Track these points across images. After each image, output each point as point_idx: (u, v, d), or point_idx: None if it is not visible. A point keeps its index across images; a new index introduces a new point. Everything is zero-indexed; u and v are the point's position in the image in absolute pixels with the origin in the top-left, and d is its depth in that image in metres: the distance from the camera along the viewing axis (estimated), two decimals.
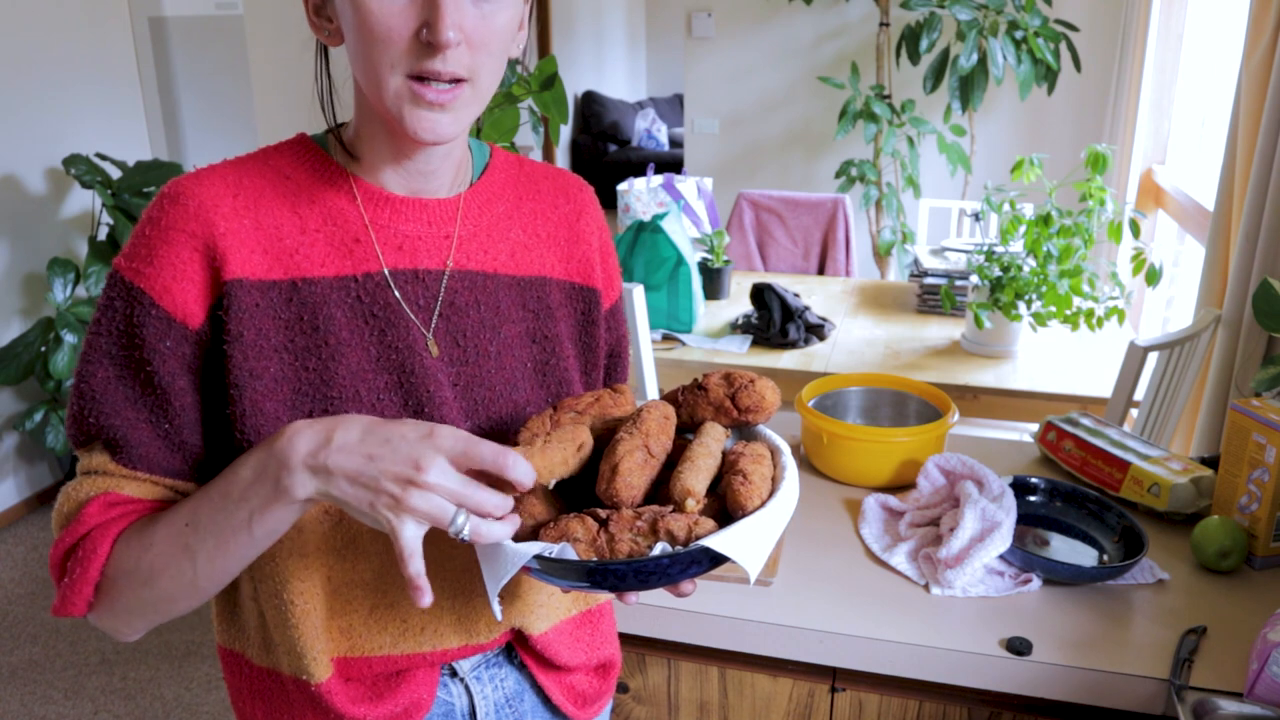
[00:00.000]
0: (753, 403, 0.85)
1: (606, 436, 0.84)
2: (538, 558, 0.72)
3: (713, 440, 0.83)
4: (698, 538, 0.72)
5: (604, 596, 1.03)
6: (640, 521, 0.74)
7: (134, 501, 0.80)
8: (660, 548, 0.72)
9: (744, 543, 0.72)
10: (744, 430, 0.90)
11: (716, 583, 1.24)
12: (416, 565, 0.70)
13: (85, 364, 0.79)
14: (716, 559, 0.72)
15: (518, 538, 0.75)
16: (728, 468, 0.80)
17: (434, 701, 0.92)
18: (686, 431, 0.89)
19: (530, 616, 0.94)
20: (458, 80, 0.77)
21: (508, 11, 0.78)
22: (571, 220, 0.96)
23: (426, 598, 0.71)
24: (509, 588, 0.91)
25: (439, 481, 0.69)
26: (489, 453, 0.71)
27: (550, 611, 0.96)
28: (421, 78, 0.76)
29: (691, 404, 0.87)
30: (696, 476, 0.76)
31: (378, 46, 0.75)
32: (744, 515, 0.75)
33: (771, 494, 0.77)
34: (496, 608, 0.76)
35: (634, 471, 0.76)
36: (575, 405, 0.86)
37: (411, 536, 0.69)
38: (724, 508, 0.78)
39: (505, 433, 0.89)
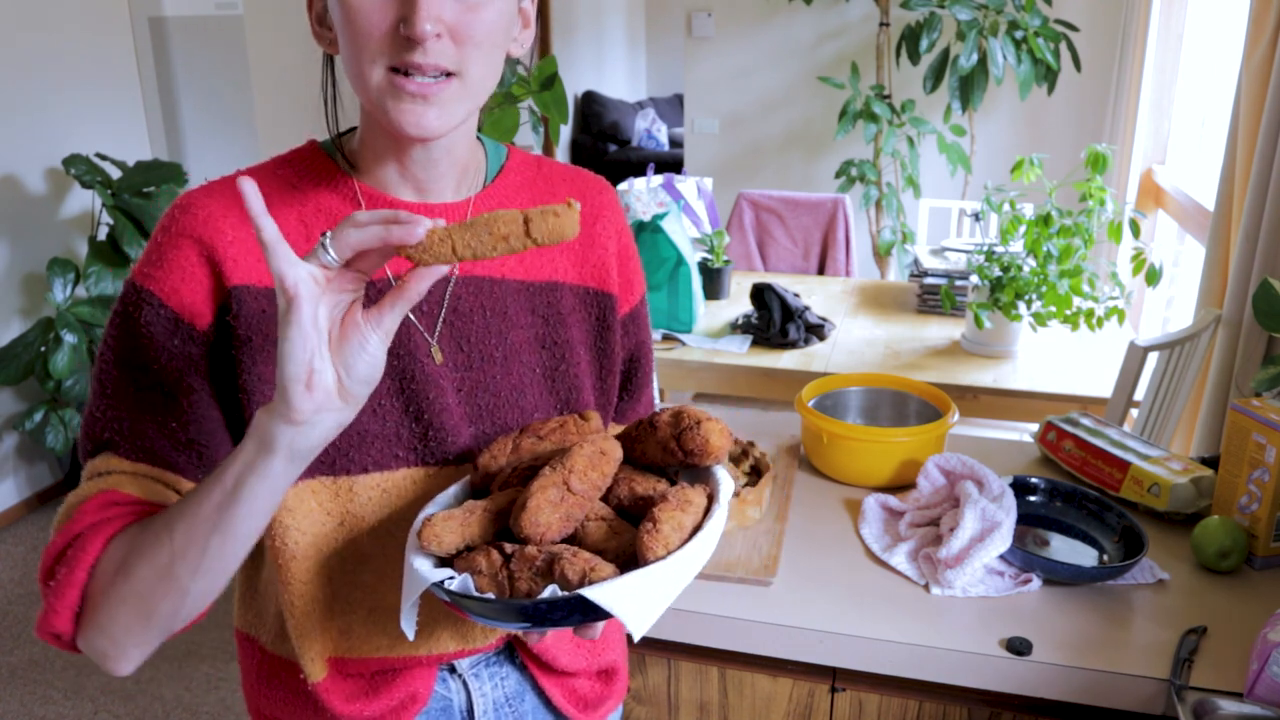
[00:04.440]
0: (696, 446, 0.80)
1: None
2: (439, 585, 0.70)
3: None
4: (591, 583, 0.68)
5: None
6: (539, 561, 0.71)
7: (134, 502, 0.76)
8: (550, 590, 0.69)
9: (628, 596, 0.67)
10: (694, 470, 0.85)
11: (716, 583, 1.24)
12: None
13: (97, 365, 0.80)
14: (600, 610, 0.67)
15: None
16: (649, 510, 0.75)
17: (432, 696, 0.92)
18: (643, 466, 0.85)
19: None
20: (446, 74, 0.77)
21: (496, 5, 0.78)
22: (588, 224, 0.95)
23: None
24: None
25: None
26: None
27: None
28: (403, 70, 0.76)
29: (643, 440, 0.84)
30: (547, 513, 0.73)
31: (358, 40, 0.76)
32: (643, 565, 0.70)
33: (683, 544, 0.72)
34: (406, 626, 0.75)
35: (544, 509, 0.73)
36: (539, 430, 0.86)
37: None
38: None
39: None
